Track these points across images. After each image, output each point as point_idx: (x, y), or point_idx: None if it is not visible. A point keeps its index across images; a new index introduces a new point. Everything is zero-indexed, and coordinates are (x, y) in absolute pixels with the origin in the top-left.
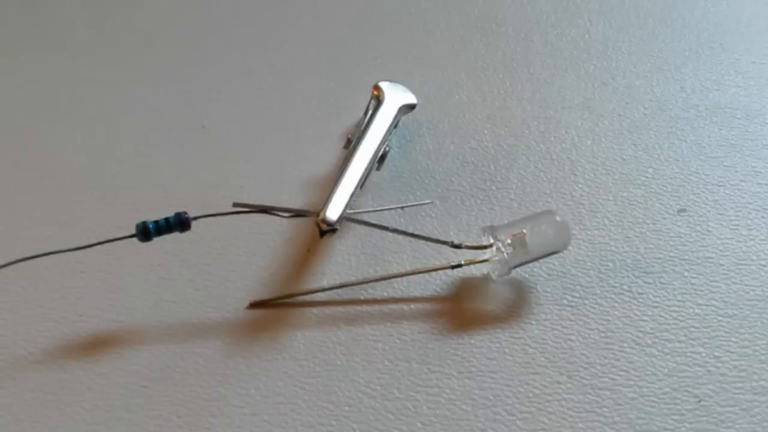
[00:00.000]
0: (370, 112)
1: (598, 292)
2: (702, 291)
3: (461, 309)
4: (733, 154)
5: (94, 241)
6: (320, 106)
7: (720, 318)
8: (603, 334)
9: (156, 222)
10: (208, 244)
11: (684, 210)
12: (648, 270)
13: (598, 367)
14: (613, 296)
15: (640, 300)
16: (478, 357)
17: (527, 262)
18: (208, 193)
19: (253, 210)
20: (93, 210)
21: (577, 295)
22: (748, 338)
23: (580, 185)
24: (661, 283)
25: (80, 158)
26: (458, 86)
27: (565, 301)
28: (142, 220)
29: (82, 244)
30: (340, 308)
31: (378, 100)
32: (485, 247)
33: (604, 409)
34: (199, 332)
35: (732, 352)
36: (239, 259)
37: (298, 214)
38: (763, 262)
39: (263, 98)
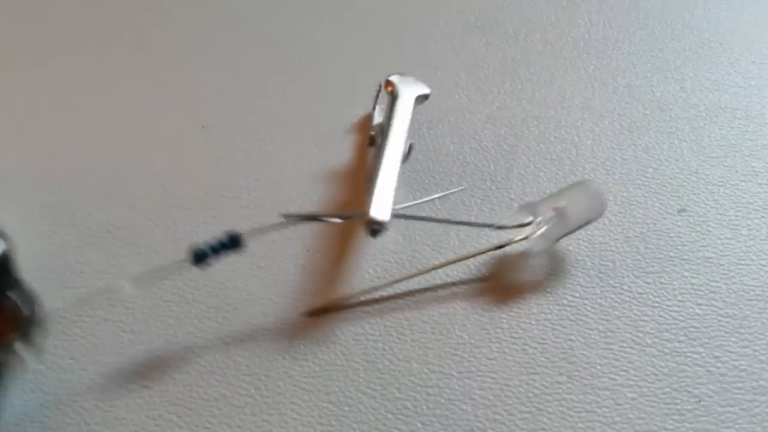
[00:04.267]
0: (386, 107)
1: (598, 292)
2: (702, 291)
3: (461, 308)
4: (733, 154)
5: (96, 241)
6: (320, 106)
7: (720, 318)
8: (603, 334)
9: (211, 245)
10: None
11: (684, 210)
12: (648, 270)
13: (598, 367)
14: (613, 296)
15: (640, 300)
16: (478, 357)
17: (568, 233)
18: (207, 193)
19: (303, 219)
20: (93, 210)
21: (577, 295)
22: (748, 338)
23: None
24: (661, 283)
25: (80, 158)
26: (458, 86)
27: (565, 301)
28: (195, 244)
29: (86, 246)
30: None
31: (393, 95)
32: (528, 225)
33: (604, 409)
34: (199, 332)
35: (732, 352)
36: (240, 260)
37: (347, 218)
38: (763, 262)
39: (263, 98)
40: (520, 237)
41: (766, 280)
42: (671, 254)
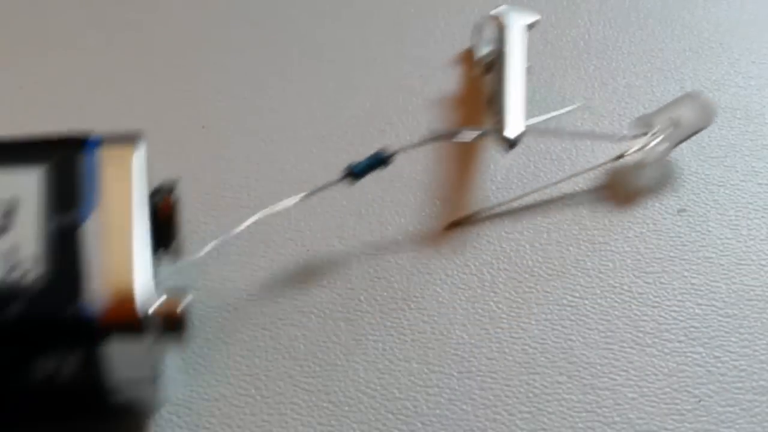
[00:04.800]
0: (496, 37)
1: (598, 292)
2: (702, 291)
3: (461, 306)
4: (733, 154)
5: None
6: (320, 105)
7: (720, 318)
8: (603, 334)
9: (360, 164)
10: None
11: (684, 210)
12: (648, 270)
13: (598, 367)
14: (613, 296)
15: (640, 300)
16: (478, 357)
17: (682, 141)
18: (207, 193)
19: (449, 136)
20: None
21: (577, 295)
22: (748, 338)
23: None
24: (661, 283)
25: None
26: None
27: (565, 301)
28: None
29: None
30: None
31: (500, 26)
32: (645, 134)
33: (604, 409)
34: (198, 331)
35: (732, 352)
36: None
37: (485, 133)
38: (763, 262)
39: (263, 98)
40: (636, 147)
41: (766, 280)
42: (671, 254)
